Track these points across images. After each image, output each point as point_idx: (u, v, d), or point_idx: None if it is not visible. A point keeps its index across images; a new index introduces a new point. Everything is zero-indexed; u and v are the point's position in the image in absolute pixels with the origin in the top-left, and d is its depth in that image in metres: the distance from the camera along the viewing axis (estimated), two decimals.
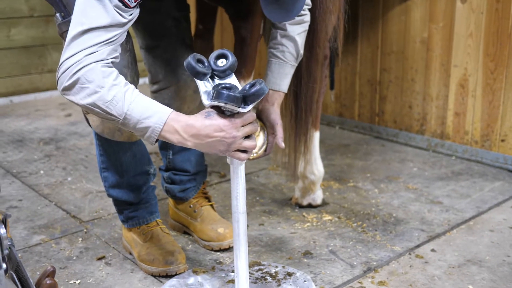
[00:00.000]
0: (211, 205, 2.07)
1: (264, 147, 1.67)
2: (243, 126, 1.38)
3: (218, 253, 1.94)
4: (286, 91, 1.76)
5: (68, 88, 1.33)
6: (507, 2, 2.53)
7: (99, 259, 1.91)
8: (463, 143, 2.84)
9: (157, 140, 1.36)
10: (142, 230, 1.87)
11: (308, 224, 2.15)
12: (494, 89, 2.66)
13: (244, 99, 1.36)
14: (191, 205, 2.04)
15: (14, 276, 1.30)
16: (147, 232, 1.86)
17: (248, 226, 2.14)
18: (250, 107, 1.38)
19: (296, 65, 1.79)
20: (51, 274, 1.54)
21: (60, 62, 1.34)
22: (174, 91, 1.87)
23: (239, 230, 1.51)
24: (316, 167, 2.25)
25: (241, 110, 1.37)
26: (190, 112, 1.94)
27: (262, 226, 2.14)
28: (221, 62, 1.44)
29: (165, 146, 2.00)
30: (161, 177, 2.09)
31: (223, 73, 1.43)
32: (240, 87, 1.42)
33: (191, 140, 1.36)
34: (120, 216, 1.91)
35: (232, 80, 1.44)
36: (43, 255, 1.93)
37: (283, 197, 2.42)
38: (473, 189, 2.47)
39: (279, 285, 1.73)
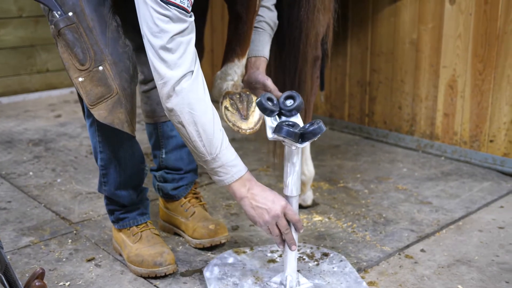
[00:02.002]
0: (202, 205, 2.07)
1: (261, 121, 1.72)
2: (291, 216, 1.56)
3: (209, 253, 1.93)
4: (268, 57, 1.83)
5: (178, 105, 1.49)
6: (495, 3, 2.55)
7: (89, 260, 1.90)
8: (452, 143, 2.86)
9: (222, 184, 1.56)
10: (132, 231, 1.87)
11: None
12: (483, 90, 2.68)
13: (302, 136, 1.53)
14: (182, 205, 2.04)
15: (3, 278, 1.29)
16: (136, 234, 1.86)
17: (238, 227, 2.14)
18: (305, 143, 1.54)
19: (272, 34, 1.87)
20: (40, 276, 1.53)
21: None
22: None
23: None
24: (307, 167, 2.25)
25: (298, 145, 1.54)
26: None
27: (252, 227, 2.14)
28: (289, 103, 1.62)
29: (157, 145, 2.01)
30: (152, 177, 2.09)
31: (289, 112, 1.62)
32: (301, 125, 1.60)
33: (248, 198, 1.54)
34: (110, 217, 1.91)
35: (297, 119, 1.62)
36: (32, 257, 1.92)
37: None
38: (462, 189, 2.48)
39: (318, 264, 1.83)
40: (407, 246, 1.99)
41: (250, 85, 1.79)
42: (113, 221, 1.91)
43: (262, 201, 1.53)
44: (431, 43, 2.83)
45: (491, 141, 2.70)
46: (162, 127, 1.98)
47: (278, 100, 1.63)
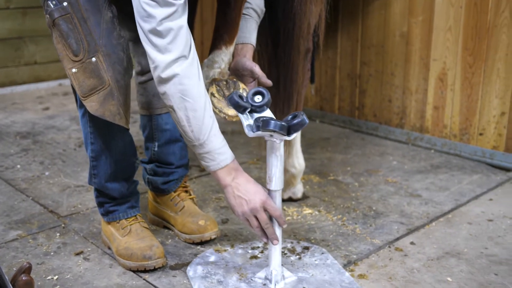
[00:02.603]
0: (192, 199, 2.06)
1: None
2: (268, 210, 1.57)
3: (199, 246, 1.92)
4: (254, 44, 1.83)
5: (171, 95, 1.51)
6: None
7: (77, 254, 1.88)
8: (442, 136, 2.86)
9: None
10: (121, 224, 1.86)
11: (289, 217, 2.15)
12: (473, 83, 2.68)
13: (289, 128, 1.53)
14: (172, 199, 2.03)
15: None
16: (126, 227, 1.85)
17: (228, 220, 2.13)
18: (293, 135, 1.55)
19: (259, 21, 1.86)
20: (27, 270, 1.52)
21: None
22: None
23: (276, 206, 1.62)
24: (297, 160, 2.24)
25: (287, 138, 1.54)
26: None
27: None
28: (258, 98, 1.62)
29: (151, 138, 1.99)
30: (142, 170, 2.07)
31: (260, 108, 1.61)
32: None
33: (232, 186, 1.56)
34: (100, 210, 1.89)
35: (268, 113, 1.62)
36: (19, 250, 1.90)
37: None
38: (451, 182, 2.49)
39: (300, 258, 1.84)
40: (397, 239, 1.99)
41: (237, 72, 1.78)
42: (102, 214, 1.89)
43: (244, 191, 1.55)
44: (421, 36, 2.83)
45: (480, 134, 2.71)
46: (157, 119, 1.96)
47: (247, 97, 1.62)
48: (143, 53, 1.85)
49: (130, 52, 1.89)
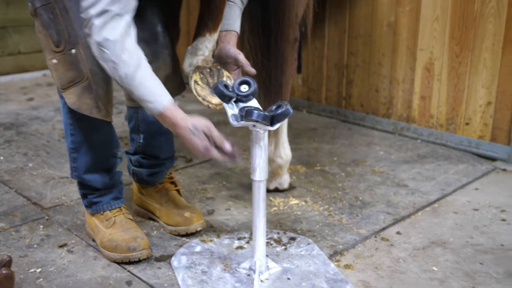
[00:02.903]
0: (177, 190, 2.04)
1: None
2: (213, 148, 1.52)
3: (184, 238, 1.91)
4: (239, 31, 1.81)
5: (98, 44, 1.47)
6: None
7: (61, 246, 1.86)
8: (429, 126, 2.86)
9: None
10: (105, 216, 1.83)
11: (275, 208, 2.14)
12: (459, 73, 2.68)
13: (272, 118, 1.51)
14: (157, 190, 2.01)
15: None
16: (110, 218, 1.83)
17: (214, 211, 2.12)
18: (277, 126, 1.53)
19: (242, 8, 1.84)
20: (8, 263, 1.50)
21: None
22: (153, 71, 1.84)
23: (259, 196, 1.61)
24: (284, 151, 2.23)
25: (270, 128, 1.52)
26: (173, 93, 1.90)
27: (228, 211, 2.12)
28: (244, 88, 1.59)
29: (136, 129, 1.97)
30: (127, 161, 2.05)
31: (246, 98, 1.59)
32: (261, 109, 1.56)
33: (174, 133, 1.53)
34: (83, 201, 1.87)
35: (254, 103, 1.59)
36: (2, 243, 1.87)
37: (250, 182, 2.38)
38: (438, 172, 2.49)
39: (286, 248, 1.83)
40: (383, 229, 1.98)
41: (221, 59, 1.75)
42: (86, 206, 1.87)
43: (185, 140, 1.52)
44: (409, 25, 2.82)
45: (467, 123, 2.71)
46: (143, 111, 1.93)
47: (233, 86, 1.60)
48: None
49: None
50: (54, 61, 1.63)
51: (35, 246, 1.86)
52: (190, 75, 1.71)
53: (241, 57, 1.72)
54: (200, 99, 1.68)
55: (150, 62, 1.82)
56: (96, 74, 1.63)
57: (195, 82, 1.68)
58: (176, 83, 1.89)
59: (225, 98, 1.57)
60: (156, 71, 1.83)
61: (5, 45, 4.05)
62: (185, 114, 1.53)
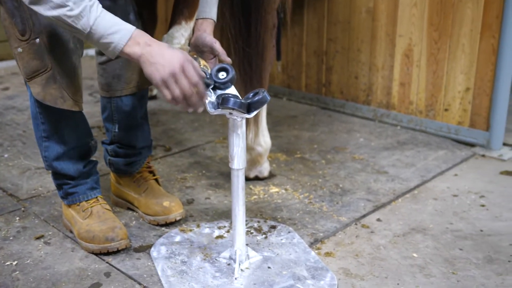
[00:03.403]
0: (156, 179, 2.02)
1: None
2: (190, 76, 1.40)
3: (164, 228, 1.89)
4: (215, 19, 1.77)
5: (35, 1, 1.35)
6: None
7: (38, 238, 1.83)
8: (408, 113, 2.86)
9: (117, 57, 1.42)
10: (82, 206, 1.80)
11: (255, 196, 2.13)
12: (438, 59, 2.68)
13: (249, 106, 1.48)
14: (135, 180, 1.98)
15: None
16: (86, 209, 1.80)
17: (193, 200, 2.10)
18: (254, 113, 1.50)
19: None
20: None
21: None
22: (122, 60, 1.81)
23: (238, 185, 1.59)
24: (263, 138, 2.21)
25: (247, 115, 1.49)
26: (141, 84, 1.87)
27: (208, 200, 2.10)
28: (222, 75, 1.56)
29: (110, 119, 1.93)
30: (103, 151, 2.02)
31: (224, 85, 1.55)
32: (239, 95, 1.52)
33: (145, 55, 1.38)
34: (59, 192, 1.84)
35: (232, 90, 1.56)
36: None
37: (230, 170, 2.36)
38: (417, 158, 2.50)
39: (266, 237, 1.82)
40: (364, 216, 1.98)
41: (197, 48, 1.72)
42: (62, 197, 1.84)
43: (159, 57, 1.39)
44: (387, 11, 2.81)
45: (446, 110, 2.72)
46: (116, 102, 1.90)
47: (210, 73, 1.57)
48: None
49: None
50: (20, 49, 1.59)
51: (11, 238, 1.83)
52: None
53: (217, 45, 1.68)
54: None
55: None
56: (60, 64, 1.59)
57: None
58: None
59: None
60: (129, 60, 1.80)
61: None
62: (159, 45, 1.41)
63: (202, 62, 1.67)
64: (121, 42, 1.38)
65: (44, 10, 1.35)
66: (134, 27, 1.40)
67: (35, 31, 1.56)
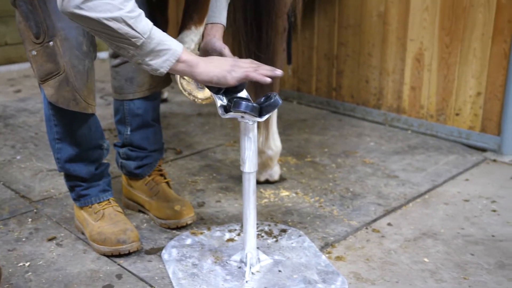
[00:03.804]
0: (167, 182, 2.03)
1: None
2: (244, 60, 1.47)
3: (175, 230, 1.90)
4: (225, 24, 1.76)
5: (85, 2, 1.27)
6: None
7: (50, 240, 1.84)
8: (419, 117, 2.86)
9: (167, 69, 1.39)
10: (94, 209, 1.82)
11: (266, 200, 2.13)
12: (449, 63, 2.68)
13: (261, 110, 1.48)
14: (147, 183, 1.99)
15: None
16: (98, 211, 1.81)
17: (204, 203, 2.10)
18: (265, 117, 1.50)
19: (229, 0, 1.79)
20: None
21: None
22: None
23: (249, 188, 1.60)
24: (274, 142, 2.22)
25: (258, 119, 1.49)
26: (154, 87, 1.88)
27: (219, 203, 2.11)
28: None
29: (122, 121, 1.94)
30: (115, 153, 2.03)
31: (235, 89, 1.53)
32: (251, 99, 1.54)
33: (203, 60, 1.41)
34: (71, 194, 1.85)
35: (244, 94, 1.55)
36: None
37: (240, 173, 2.37)
38: (428, 162, 2.49)
39: (277, 240, 1.82)
40: (374, 220, 1.98)
41: (206, 53, 1.72)
42: (74, 199, 1.85)
43: (213, 59, 1.45)
44: (399, 15, 2.81)
45: (457, 114, 2.71)
46: (129, 104, 1.91)
47: None
48: None
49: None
50: (34, 52, 1.62)
51: (24, 239, 1.84)
52: None
53: (226, 51, 1.68)
54: (186, 93, 1.66)
55: None
56: (74, 67, 1.61)
57: (181, 77, 1.66)
58: (163, 76, 1.87)
59: (214, 89, 1.55)
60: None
61: None
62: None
63: None
64: (179, 49, 1.37)
65: (99, 13, 1.28)
66: (180, 46, 1.41)
67: (49, 34, 1.58)
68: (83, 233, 1.86)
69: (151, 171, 2.00)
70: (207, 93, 1.67)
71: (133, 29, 1.32)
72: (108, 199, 1.85)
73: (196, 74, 1.41)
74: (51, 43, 1.59)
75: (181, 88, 1.67)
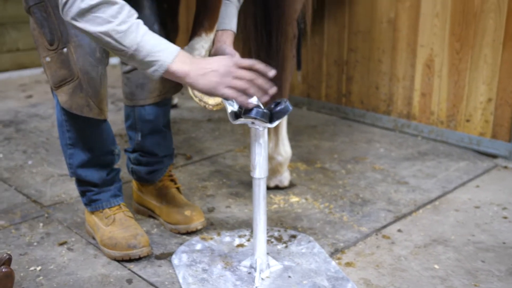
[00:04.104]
0: (177, 188, 2.03)
1: None
2: (245, 64, 1.42)
3: (185, 236, 1.90)
4: (235, 30, 1.76)
5: (79, 15, 1.32)
6: None
7: (61, 244, 1.85)
8: (429, 123, 2.85)
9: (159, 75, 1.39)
10: (105, 214, 1.83)
11: (275, 205, 2.13)
12: (460, 70, 2.67)
13: (271, 116, 1.50)
14: (157, 188, 2.00)
15: None
16: (109, 216, 1.82)
17: (214, 208, 2.11)
18: (276, 123, 1.51)
19: (239, 7, 1.80)
20: (7, 262, 1.49)
21: None
22: None
23: (259, 193, 1.60)
24: (284, 148, 2.22)
25: (269, 125, 1.51)
26: (165, 93, 1.89)
27: (229, 209, 2.11)
28: None
29: (133, 127, 1.95)
30: (126, 159, 2.04)
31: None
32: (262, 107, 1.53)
33: (193, 71, 1.37)
34: (82, 199, 1.87)
35: (254, 100, 1.53)
36: (2, 241, 1.86)
37: (250, 179, 2.37)
38: (438, 169, 2.48)
39: (286, 246, 1.82)
40: (384, 226, 1.98)
41: None
42: (85, 204, 1.86)
43: (207, 65, 1.39)
44: (409, 21, 2.81)
45: (467, 120, 2.70)
46: (140, 110, 1.91)
47: None
48: None
49: None
50: (48, 59, 1.64)
51: (35, 244, 1.85)
52: None
53: (237, 56, 1.69)
54: (196, 100, 1.67)
55: None
56: (87, 74, 1.63)
57: None
58: (173, 82, 1.88)
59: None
60: None
61: (3, 42, 4.04)
62: (204, 59, 1.42)
63: None
64: (167, 60, 1.36)
65: (91, 26, 1.33)
66: (178, 47, 1.40)
67: (63, 41, 1.60)
68: (93, 238, 1.87)
69: (162, 176, 2.00)
70: (218, 99, 1.68)
71: (120, 43, 1.34)
72: (119, 204, 1.86)
73: (187, 84, 1.40)
74: (65, 49, 1.60)
75: (191, 94, 1.67)
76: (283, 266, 1.69)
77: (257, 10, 1.96)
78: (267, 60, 2.03)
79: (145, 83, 1.86)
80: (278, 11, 1.96)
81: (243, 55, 1.74)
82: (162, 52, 1.36)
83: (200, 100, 1.66)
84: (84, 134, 1.75)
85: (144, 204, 2.04)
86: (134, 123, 1.95)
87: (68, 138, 1.76)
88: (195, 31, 1.76)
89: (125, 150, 2.03)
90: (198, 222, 1.90)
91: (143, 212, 2.05)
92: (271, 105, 1.54)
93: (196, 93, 1.66)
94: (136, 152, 1.99)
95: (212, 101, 1.66)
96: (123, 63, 1.92)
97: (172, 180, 2.04)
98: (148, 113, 1.91)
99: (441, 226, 1.98)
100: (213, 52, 1.75)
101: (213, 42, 1.76)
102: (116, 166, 1.89)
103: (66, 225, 1.98)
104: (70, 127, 1.74)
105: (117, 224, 1.80)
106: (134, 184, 2.07)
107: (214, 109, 1.67)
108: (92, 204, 1.84)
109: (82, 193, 1.85)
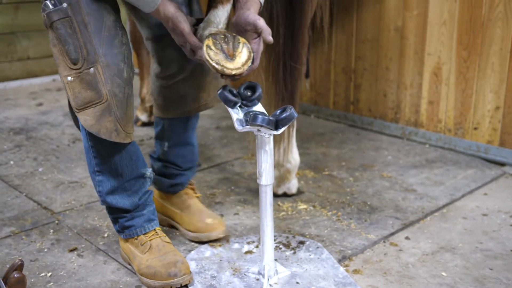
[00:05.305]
0: (198, 197, 2.02)
1: (249, 61, 1.53)
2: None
3: (194, 243, 1.91)
4: (262, 1, 1.63)
5: None
6: None
7: (71, 250, 1.87)
8: (437, 131, 2.86)
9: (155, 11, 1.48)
10: (140, 240, 1.73)
11: (283, 213, 2.15)
12: (467, 78, 2.68)
13: (277, 123, 1.51)
14: (178, 196, 1.98)
15: None
16: (145, 243, 1.73)
17: (222, 215, 2.12)
18: (281, 130, 1.53)
19: None
20: (19, 267, 1.51)
21: None
22: (190, 78, 1.82)
23: (266, 200, 1.62)
24: (292, 155, 2.24)
25: (275, 132, 1.52)
26: (211, 101, 1.90)
27: (237, 216, 2.13)
28: (249, 92, 1.59)
29: (162, 136, 1.93)
30: (150, 162, 2.00)
31: (251, 102, 1.59)
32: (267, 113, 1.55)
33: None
34: (115, 226, 1.77)
35: (259, 107, 1.59)
36: (13, 247, 1.89)
37: (258, 186, 2.39)
38: (446, 176, 2.48)
39: (295, 252, 1.84)
40: (392, 234, 1.98)
41: (238, 27, 1.57)
42: (118, 231, 1.77)
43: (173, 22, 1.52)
44: (416, 30, 2.82)
45: (475, 128, 2.71)
46: (170, 121, 1.90)
47: (238, 91, 1.57)
48: (164, 53, 1.79)
49: (150, 52, 1.84)
50: (70, 78, 1.52)
51: (46, 250, 1.87)
52: (203, 42, 1.55)
53: (261, 22, 1.53)
54: (213, 63, 1.49)
55: (186, 70, 1.83)
56: (115, 96, 1.54)
57: (208, 47, 1.51)
58: (205, 101, 1.89)
59: (230, 103, 1.55)
60: (194, 78, 1.84)
61: (14, 50, 4.08)
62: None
63: (242, 40, 1.56)
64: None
65: None
66: None
67: (90, 61, 1.50)
68: (130, 265, 1.78)
69: (183, 189, 1.98)
70: (237, 63, 1.51)
71: None
72: (154, 229, 1.77)
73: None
74: (91, 69, 1.50)
75: (207, 58, 1.50)
76: (291, 272, 1.70)
77: (285, 15, 1.97)
78: (291, 63, 2.04)
79: (187, 93, 1.83)
80: (301, 18, 1.98)
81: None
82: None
83: (217, 63, 1.50)
84: (112, 160, 1.65)
85: (164, 212, 2.00)
86: (163, 132, 1.91)
87: (95, 164, 1.67)
88: (210, 4, 1.69)
89: (150, 156, 1.99)
90: (219, 230, 1.88)
91: (162, 221, 1.99)
92: (276, 112, 1.55)
93: (213, 56, 1.51)
94: (160, 161, 1.95)
95: (230, 64, 1.51)
96: (157, 77, 1.86)
97: (193, 189, 2.02)
98: (179, 125, 1.90)
99: (448, 233, 1.99)
100: (235, 20, 1.60)
101: (235, 9, 1.61)
102: (148, 189, 1.78)
103: (76, 232, 2.00)
104: (97, 153, 1.65)
105: (155, 251, 1.71)
106: (155, 191, 2.02)
107: (233, 73, 1.50)
108: (125, 231, 1.75)
109: (114, 220, 1.76)
